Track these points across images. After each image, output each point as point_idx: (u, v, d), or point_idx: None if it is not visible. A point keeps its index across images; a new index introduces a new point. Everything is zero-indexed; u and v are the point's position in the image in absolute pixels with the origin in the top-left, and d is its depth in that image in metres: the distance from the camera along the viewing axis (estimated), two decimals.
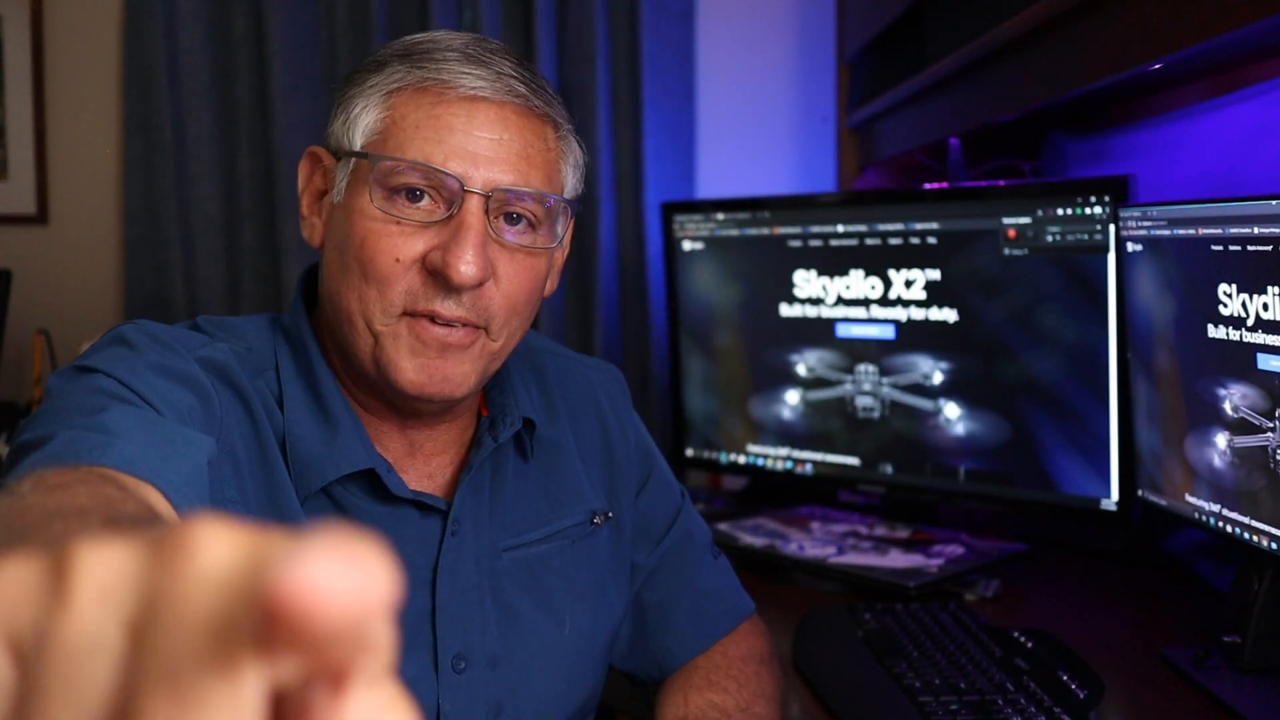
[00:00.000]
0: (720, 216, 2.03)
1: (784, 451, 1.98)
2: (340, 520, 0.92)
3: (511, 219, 0.92)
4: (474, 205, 0.88)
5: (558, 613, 1.03)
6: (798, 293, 1.93)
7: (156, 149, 2.43)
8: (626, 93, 2.44)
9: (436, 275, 0.88)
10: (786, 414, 1.97)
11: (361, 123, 0.92)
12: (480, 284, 0.89)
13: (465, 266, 0.87)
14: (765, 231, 1.96)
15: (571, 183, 0.98)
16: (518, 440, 1.03)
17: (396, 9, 2.45)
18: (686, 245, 2.08)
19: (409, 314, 0.89)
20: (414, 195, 0.89)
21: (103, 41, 2.51)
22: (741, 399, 2.03)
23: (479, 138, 0.89)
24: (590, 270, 2.46)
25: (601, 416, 1.13)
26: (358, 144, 0.91)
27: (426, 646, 0.95)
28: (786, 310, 1.95)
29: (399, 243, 0.88)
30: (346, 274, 0.91)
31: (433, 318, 0.89)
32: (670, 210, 2.11)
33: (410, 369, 0.90)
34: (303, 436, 0.92)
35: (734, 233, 2.01)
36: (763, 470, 2.02)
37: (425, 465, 1.01)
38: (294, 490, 0.91)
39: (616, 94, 2.44)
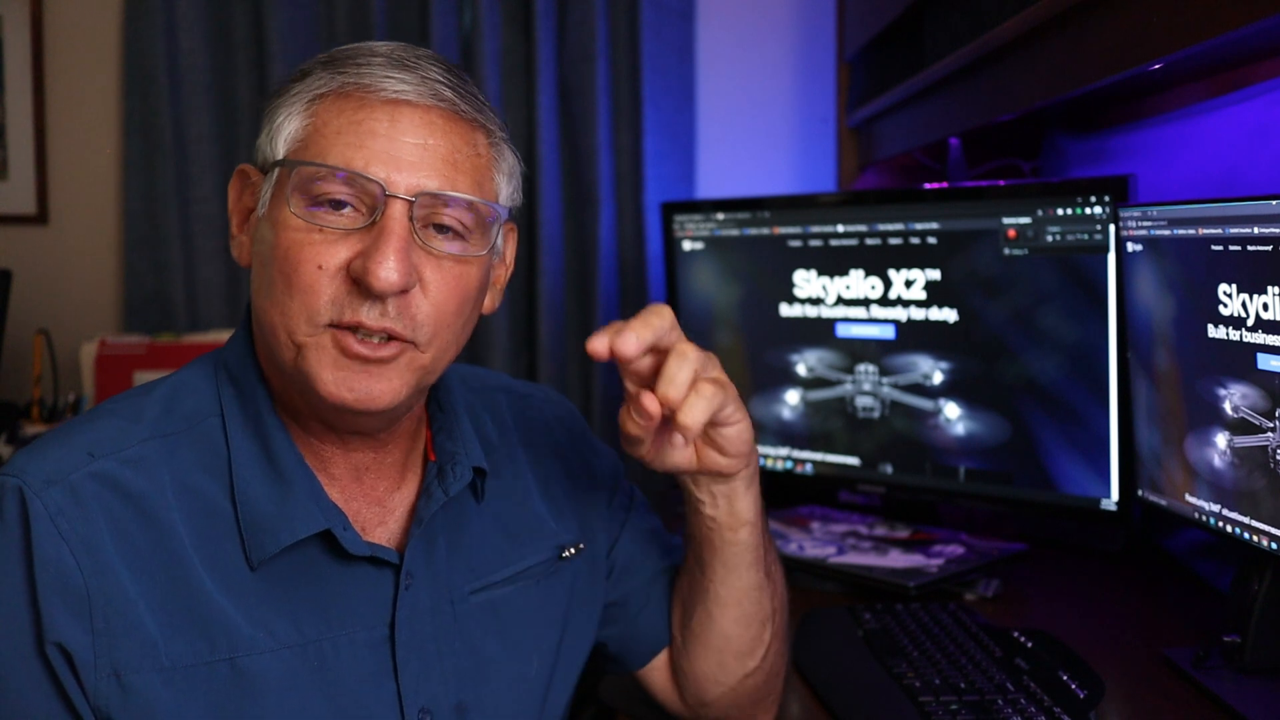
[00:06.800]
0: (720, 216, 2.03)
1: (784, 451, 1.98)
2: (293, 585, 0.91)
3: (441, 229, 0.89)
4: (397, 210, 0.86)
5: (525, 653, 1.02)
6: (798, 293, 1.93)
7: (156, 149, 2.44)
8: (626, 93, 2.44)
9: (359, 283, 0.85)
10: (786, 414, 1.97)
11: (284, 132, 0.89)
12: (403, 291, 0.86)
13: (386, 272, 0.84)
14: (765, 231, 1.96)
15: (506, 191, 0.95)
16: (471, 484, 1.01)
17: (396, 9, 2.44)
18: (686, 245, 2.08)
19: (334, 325, 0.86)
20: (337, 205, 0.86)
21: (103, 41, 2.51)
22: (742, 399, 2.02)
23: (403, 142, 0.87)
24: (590, 270, 2.46)
25: (564, 454, 1.13)
26: (280, 153, 0.89)
27: (391, 702, 0.93)
28: (786, 310, 1.95)
29: (321, 250, 0.86)
30: (270, 286, 0.88)
31: (357, 329, 0.86)
32: (670, 210, 2.10)
33: (330, 381, 0.87)
34: (255, 497, 0.90)
35: (734, 233, 2.01)
36: (763, 470, 2.01)
37: (374, 500, 0.98)
38: (244, 555, 0.89)
39: (616, 94, 2.44)
